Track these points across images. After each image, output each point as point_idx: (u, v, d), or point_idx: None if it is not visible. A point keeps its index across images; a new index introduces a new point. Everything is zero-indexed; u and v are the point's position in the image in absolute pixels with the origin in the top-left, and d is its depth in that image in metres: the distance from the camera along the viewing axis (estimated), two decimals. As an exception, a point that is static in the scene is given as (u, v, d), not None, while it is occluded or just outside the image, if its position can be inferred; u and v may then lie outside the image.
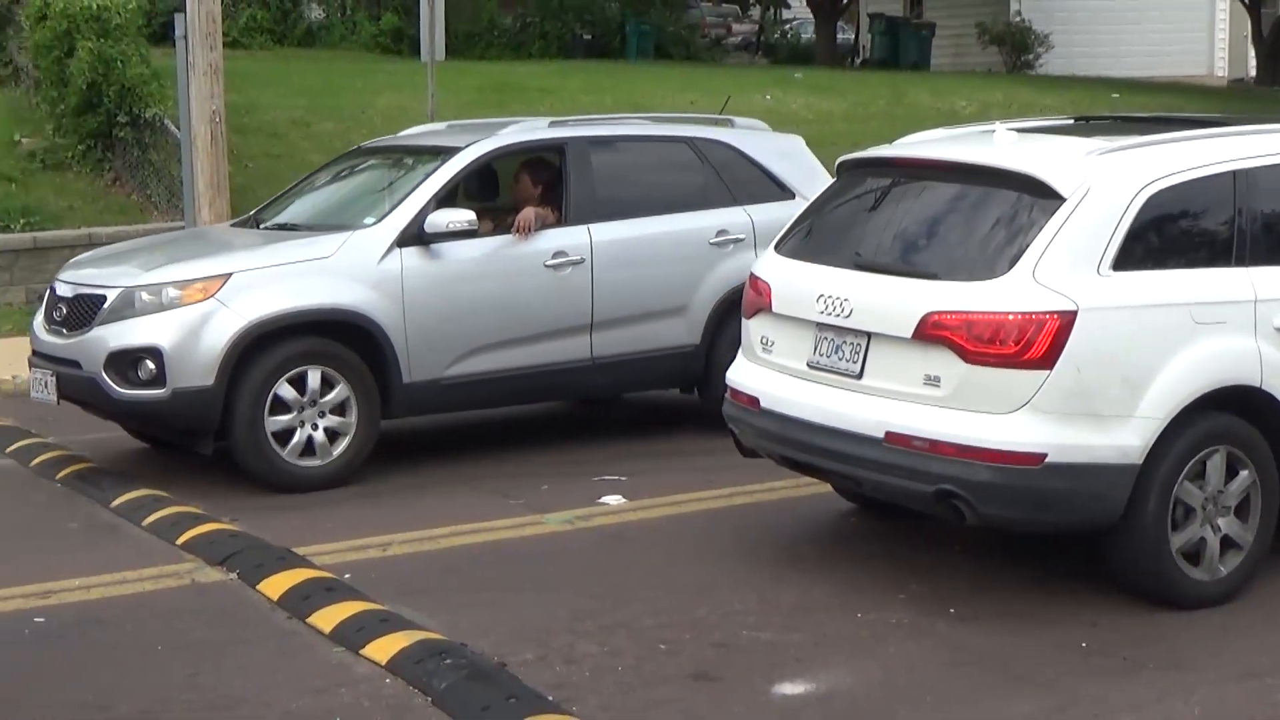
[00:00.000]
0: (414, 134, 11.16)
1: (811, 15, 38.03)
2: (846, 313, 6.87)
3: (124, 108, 17.79)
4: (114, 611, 6.94)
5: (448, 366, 9.29)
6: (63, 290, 9.34)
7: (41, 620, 6.82)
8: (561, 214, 9.76)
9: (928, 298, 6.57)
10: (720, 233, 10.06)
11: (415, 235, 9.21)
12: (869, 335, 6.80)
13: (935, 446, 6.45)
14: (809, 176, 10.49)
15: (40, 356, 9.38)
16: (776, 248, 7.62)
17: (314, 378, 8.89)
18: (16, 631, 6.68)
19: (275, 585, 7.08)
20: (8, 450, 10.01)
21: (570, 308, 9.61)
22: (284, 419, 8.84)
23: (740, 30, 45.20)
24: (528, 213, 9.61)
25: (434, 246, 9.25)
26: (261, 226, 10.05)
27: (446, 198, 9.47)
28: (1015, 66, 33.78)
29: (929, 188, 7.22)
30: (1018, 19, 34.93)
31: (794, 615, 6.70)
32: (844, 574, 7.24)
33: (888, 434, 6.61)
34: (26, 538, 8.18)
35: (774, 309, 7.33)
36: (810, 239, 7.50)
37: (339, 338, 9.02)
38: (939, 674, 6.06)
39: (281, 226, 9.88)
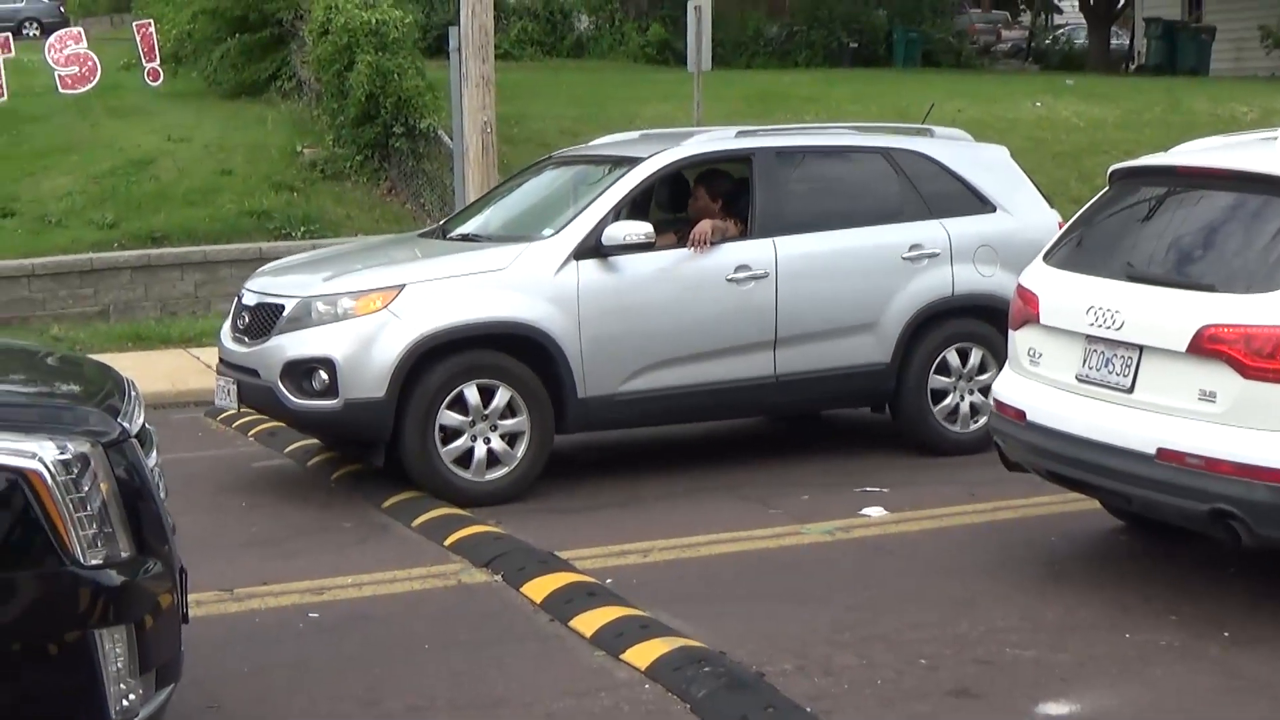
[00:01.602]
0: (603, 143, 10.84)
1: (1084, 20, 37.24)
2: (1118, 325, 6.71)
3: (400, 119, 18.35)
4: (384, 609, 7.13)
5: (623, 382, 9.11)
6: (248, 299, 9.40)
7: (315, 615, 7.04)
8: (746, 226, 9.55)
9: (1203, 310, 6.38)
10: (914, 247, 9.73)
11: (593, 248, 9.06)
12: (1141, 348, 6.63)
13: (1211, 464, 6.25)
14: (1013, 189, 10.18)
15: (224, 364, 9.50)
16: (1045, 258, 7.48)
17: (501, 396, 8.81)
18: (292, 626, 6.91)
19: (538, 588, 7.19)
20: (285, 450, 10.38)
21: (753, 323, 9.34)
22: (455, 425, 8.77)
23: (1010, 36, 44.55)
24: (704, 225, 9.40)
25: (611, 259, 9.08)
26: (446, 236, 10.10)
27: (629, 209, 9.35)
28: (1301, 70, 32.53)
29: (1205, 196, 7.00)
30: (1305, 20, 33.63)
31: (1059, 634, 6.55)
32: (1112, 593, 7.06)
33: (1160, 450, 6.43)
34: (304, 535, 8.46)
35: (1042, 320, 7.20)
36: (1080, 249, 7.34)
37: (512, 351, 8.93)
38: (1211, 700, 5.86)
39: (465, 237, 9.90)
